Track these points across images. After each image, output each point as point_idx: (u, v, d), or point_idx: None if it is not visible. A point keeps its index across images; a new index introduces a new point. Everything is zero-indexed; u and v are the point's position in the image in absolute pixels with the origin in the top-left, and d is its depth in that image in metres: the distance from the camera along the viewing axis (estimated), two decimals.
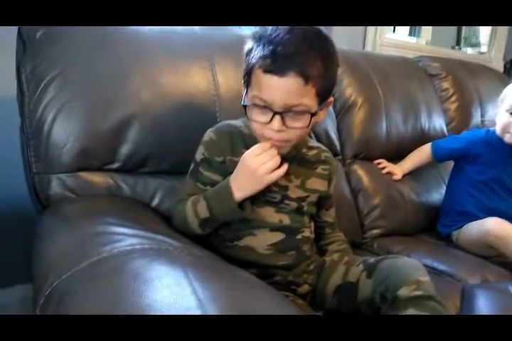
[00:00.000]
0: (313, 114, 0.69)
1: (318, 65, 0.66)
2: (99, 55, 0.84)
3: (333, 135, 1.23)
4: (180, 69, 0.91)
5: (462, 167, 1.31)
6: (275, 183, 0.76)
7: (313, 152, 0.84)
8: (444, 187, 1.41)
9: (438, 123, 1.50)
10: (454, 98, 1.58)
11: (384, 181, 1.30)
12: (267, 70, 0.66)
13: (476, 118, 1.64)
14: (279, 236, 0.77)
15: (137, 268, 0.49)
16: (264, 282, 0.61)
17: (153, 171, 0.90)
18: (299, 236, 0.80)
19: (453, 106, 1.58)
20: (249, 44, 0.70)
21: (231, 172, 0.72)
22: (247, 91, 0.71)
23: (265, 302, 0.50)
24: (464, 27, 2.59)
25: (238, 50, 0.74)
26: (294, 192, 0.79)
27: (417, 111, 1.42)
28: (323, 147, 0.87)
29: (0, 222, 1.18)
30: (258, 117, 0.69)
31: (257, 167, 0.68)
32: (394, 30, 2.15)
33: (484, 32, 2.55)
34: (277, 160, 0.69)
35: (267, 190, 0.76)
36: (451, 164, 1.39)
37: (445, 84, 1.59)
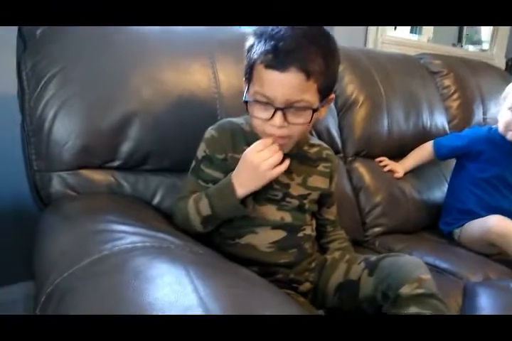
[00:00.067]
0: (314, 110, 0.68)
1: (319, 61, 0.66)
2: (100, 52, 0.84)
3: (335, 132, 1.22)
4: (180, 67, 0.91)
5: (464, 165, 1.31)
6: (277, 181, 0.76)
7: (314, 149, 0.83)
8: (446, 185, 1.40)
9: (440, 120, 1.49)
10: (455, 95, 1.58)
11: (385, 179, 1.29)
12: (269, 66, 0.66)
13: (478, 116, 1.64)
14: (280, 234, 0.77)
15: (138, 266, 0.49)
16: (266, 280, 0.61)
17: (154, 169, 0.90)
18: (300, 234, 0.80)
19: (455, 104, 1.57)
20: (250, 40, 0.70)
21: (232, 170, 0.72)
22: (248, 88, 0.71)
23: (267, 300, 0.50)
24: None
25: (239, 48, 0.74)
26: (296, 190, 0.79)
27: (419, 109, 1.42)
28: (325, 145, 0.87)
29: (2, 219, 1.19)
30: (259, 113, 0.69)
31: (260, 163, 0.68)
32: (395, 28, 2.14)
33: (486, 29, 2.54)
34: (279, 155, 0.69)
35: (269, 187, 0.76)
36: (452, 162, 1.39)
37: (447, 82, 1.58)
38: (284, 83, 0.65)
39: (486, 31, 2.55)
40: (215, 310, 0.41)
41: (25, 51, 0.80)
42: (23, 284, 1.22)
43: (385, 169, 1.31)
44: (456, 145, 1.31)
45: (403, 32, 2.22)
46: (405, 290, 0.68)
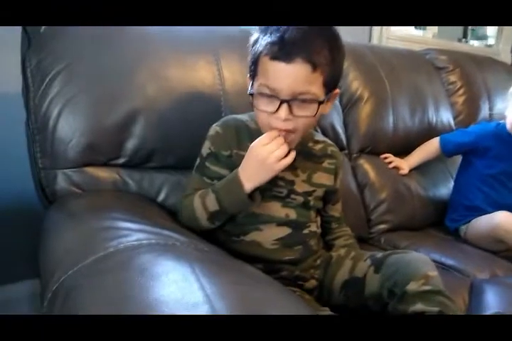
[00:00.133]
0: (320, 103, 0.68)
1: (325, 53, 0.66)
2: (104, 49, 0.84)
3: (340, 129, 1.22)
4: (185, 64, 0.90)
5: (471, 161, 1.30)
6: (281, 178, 0.76)
7: (319, 146, 0.83)
8: (452, 182, 1.40)
9: (445, 116, 1.48)
10: (461, 91, 1.57)
11: (391, 175, 1.29)
12: (274, 57, 0.65)
13: (484, 112, 1.62)
14: (285, 231, 0.77)
15: (144, 264, 0.49)
16: (271, 277, 0.61)
17: (159, 166, 0.90)
18: (305, 231, 0.79)
19: (460, 100, 1.56)
20: (255, 35, 0.70)
21: (237, 166, 0.71)
22: (252, 83, 0.71)
23: (272, 297, 0.50)
24: None
25: (244, 45, 0.74)
26: (301, 187, 0.78)
27: (425, 105, 1.41)
28: (330, 141, 0.86)
29: (7, 217, 1.19)
30: (265, 106, 0.69)
31: (266, 156, 0.67)
32: None
33: None
34: (285, 148, 0.68)
35: (274, 184, 0.75)
36: (458, 158, 1.38)
37: (452, 77, 1.57)
38: (289, 74, 0.65)
39: (491, 26, 2.53)
40: (221, 307, 0.41)
41: (29, 48, 0.80)
42: (29, 282, 1.23)
43: (390, 166, 1.30)
44: (463, 141, 1.30)
45: (408, 27, 2.20)
46: (412, 286, 0.67)
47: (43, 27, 0.80)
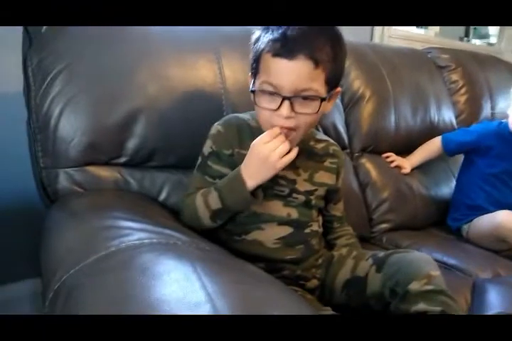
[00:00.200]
0: (322, 100, 0.68)
1: (327, 50, 0.66)
2: (105, 48, 0.84)
3: (341, 128, 1.22)
4: (186, 63, 0.90)
5: (473, 160, 1.30)
6: (283, 177, 0.76)
7: (321, 145, 0.83)
8: (454, 181, 1.39)
9: (447, 115, 1.48)
10: (463, 90, 1.56)
11: (393, 175, 1.28)
12: (276, 54, 0.65)
13: (486, 111, 1.62)
14: (287, 230, 0.77)
15: (145, 263, 0.49)
16: (272, 276, 0.60)
17: (160, 165, 0.90)
18: (307, 230, 0.79)
19: (462, 99, 1.56)
20: (256, 33, 0.70)
21: (239, 165, 0.71)
22: (254, 81, 0.71)
23: (274, 296, 0.49)
24: None
25: (245, 43, 0.73)
26: (302, 186, 0.78)
27: (426, 104, 1.41)
28: (331, 140, 0.86)
29: (9, 216, 1.19)
30: (266, 104, 0.69)
31: (269, 153, 0.67)
32: None
33: None
34: (287, 145, 0.68)
35: (275, 183, 0.75)
36: (460, 158, 1.38)
37: (454, 76, 1.57)
38: (292, 71, 0.65)
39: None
40: (222, 306, 0.41)
41: (30, 47, 0.80)
42: (30, 281, 1.23)
43: (392, 165, 1.30)
44: (465, 140, 1.30)
45: (410, 26, 2.20)
46: (414, 286, 0.67)
47: (44, 27, 0.80)
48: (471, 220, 1.22)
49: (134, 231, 0.58)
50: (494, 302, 0.86)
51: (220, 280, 0.47)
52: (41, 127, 0.79)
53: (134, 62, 0.85)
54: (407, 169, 1.30)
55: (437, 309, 0.66)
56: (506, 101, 1.33)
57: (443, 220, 1.32)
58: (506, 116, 1.25)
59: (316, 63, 0.65)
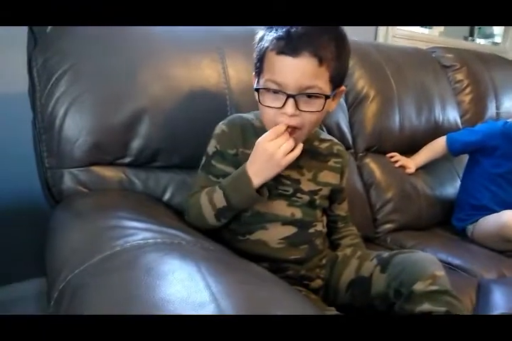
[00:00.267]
0: (327, 98, 0.68)
1: (331, 48, 0.66)
2: (110, 48, 0.84)
3: (345, 128, 1.21)
4: (190, 63, 0.90)
5: (478, 160, 1.29)
6: (287, 176, 0.76)
7: (325, 145, 0.83)
8: (459, 181, 1.39)
9: (452, 115, 1.47)
10: (468, 90, 1.56)
11: (397, 175, 1.28)
12: (281, 52, 0.65)
13: (491, 111, 1.61)
14: (291, 230, 0.77)
15: (150, 263, 0.49)
16: (277, 276, 0.60)
17: (164, 165, 0.90)
18: (311, 230, 0.79)
19: (467, 98, 1.55)
20: (260, 33, 0.71)
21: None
22: (258, 80, 0.71)
23: (278, 296, 0.49)
24: None
25: (249, 43, 0.73)
26: (306, 186, 0.78)
27: (431, 104, 1.40)
28: (336, 140, 0.86)
29: (14, 216, 1.20)
30: (271, 102, 0.69)
31: (274, 151, 0.67)
32: None
33: None
34: (292, 142, 0.68)
35: (279, 182, 0.75)
36: (465, 157, 1.37)
37: (459, 76, 1.56)
38: (296, 69, 0.65)
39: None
40: (227, 306, 0.41)
41: (35, 48, 0.80)
42: (35, 280, 1.23)
43: (397, 165, 1.30)
44: (470, 140, 1.29)
45: (414, 26, 2.19)
46: (419, 286, 0.67)
47: (49, 27, 0.80)
48: (476, 220, 1.22)
49: (138, 231, 0.58)
50: (499, 303, 0.86)
51: (224, 280, 0.47)
52: (46, 127, 0.80)
53: (139, 62, 0.85)
54: (411, 169, 1.30)
55: (442, 309, 0.65)
56: (511, 101, 1.32)
57: (448, 220, 1.31)
58: (511, 116, 1.25)
59: (320, 61, 0.65)
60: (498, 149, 1.24)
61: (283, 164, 0.68)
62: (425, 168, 1.34)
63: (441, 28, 2.30)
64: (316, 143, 0.82)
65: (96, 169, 0.83)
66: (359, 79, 1.26)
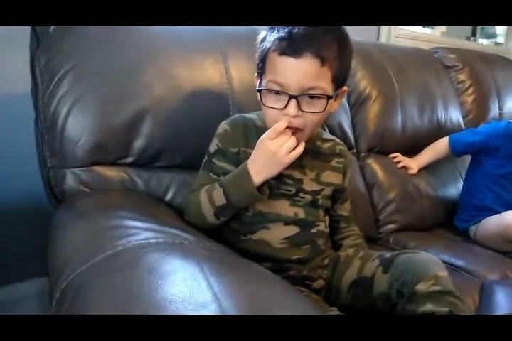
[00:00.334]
0: (329, 98, 0.68)
1: (333, 48, 0.66)
2: (113, 48, 0.84)
3: (348, 128, 1.21)
4: (193, 63, 0.90)
5: (481, 161, 1.29)
6: (290, 176, 0.76)
7: (327, 144, 0.82)
8: (461, 182, 1.38)
9: (455, 116, 1.47)
10: (470, 90, 1.55)
11: (399, 175, 1.28)
12: (283, 52, 0.65)
13: (494, 111, 1.61)
14: (293, 230, 0.76)
15: (152, 262, 0.49)
16: (279, 276, 0.60)
17: (166, 165, 0.90)
18: (313, 230, 0.79)
19: (470, 99, 1.55)
20: (262, 33, 0.71)
21: None
22: (260, 81, 0.71)
23: (280, 296, 0.49)
24: None
25: (251, 43, 0.74)
26: (309, 186, 0.78)
27: (433, 104, 1.40)
28: (338, 140, 0.86)
29: (17, 216, 1.20)
30: (273, 103, 0.68)
31: (277, 149, 0.67)
32: None
33: None
34: (294, 140, 0.68)
35: (282, 182, 0.75)
36: (468, 158, 1.37)
37: (462, 76, 1.56)
38: (298, 69, 0.65)
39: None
40: (229, 306, 0.41)
41: (38, 48, 0.80)
42: (37, 280, 1.23)
43: (399, 165, 1.29)
44: (473, 140, 1.29)
45: (416, 26, 2.19)
46: (421, 287, 0.67)
47: (52, 27, 0.80)
48: (479, 221, 1.21)
49: (140, 231, 0.58)
50: (502, 304, 0.86)
51: (226, 280, 0.47)
52: (49, 127, 0.80)
53: (141, 62, 0.85)
54: (414, 169, 1.30)
55: (445, 310, 0.65)
56: None
57: (450, 221, 1.31)
58: None
59: (323, 61, 0.65)
60: (501, 150, 1.24)
61: (285, 162, 0.68)
62: (428, 169, 1.34)
63: (444, 28, 2.30)
64: (319, 143, 0.82)
65: (98, 169, 0.83)
66: (361, 79, 1.26)
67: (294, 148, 0.68)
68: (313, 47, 0.64)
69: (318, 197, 0.79)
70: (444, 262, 0.75)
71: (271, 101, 0.69)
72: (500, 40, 2.56)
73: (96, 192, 0.81)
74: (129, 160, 0.85)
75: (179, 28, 0.92)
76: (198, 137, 0.87)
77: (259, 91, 0.70)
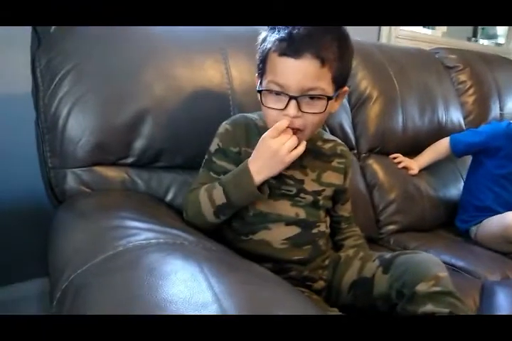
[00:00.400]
0: (329, 99, 0.68)
1: (334, 49, 0.66)
2: (113, 48, 0.84)
3: (348, 129, 1.21)
4: (193, 63, 0.90)
5: (482, 161, 1.29)
6: (291, 176, 0.76)
7: (328, 145, 0.82)
8: (462, 182, 1.38)
9: (455, 116, 1.47)
10: (471, 91, 1.55)
11: (400, 176, 1.28)
12: (283, 53, 0.65)
13: (495, 112, 1.61)
14: (294, 230, 0.76)
15: (152, 263, 0.49)
16: (279, 277, 0.60)
17: (167, 166, 0.90)
18: (314, 231, 0.79)
19: (470, 99, 1.55)
20: (263, 34, 0.71)
21: None
22: (261, 81, 0.71)
23: (280, 296, 0.49)
24: None
25: (251, 43, 0.74)
26: (310, 186, 0.78)
27: (434, 105, 1.40)
28: (339, 140, 0.86)
29: (17, 216, 1.20)
30: (273, 104, 0.69)
31: (278, 148, 0.67)
32: None
33: None
34: (295, 139, 0.68)
35: (283, 182, 0.75)
36: (468, 159, 1.37)
37: (462, 77, 1.56)
38: (298, 70, 0.65)
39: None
40: (229, 306, 0.41)
41: (39, 48, 0.80)
42: (38, 280, 1.24)
43: (400, 166, 1.29)
44: (474, 141, 1.29)
45: (417, 26, 2.19)
46: (422, 287, 0.67)
47: (53, 27, 0.81)
48: (480, 222, 1.21)
49: (141, 231, 0.58)
50: (503, 305, 0.85)
51: (226, 280, 0.47)
52: (49, 127, 0.80)
53: (141, 62, 0.85)
54: (414, 170, 1.29)
55: (445, 310, 0.65)
56: None
57: (451, 222, 1.31)
58: None
59: (323, 62, 0.65)
60: (502, 150, 1.24)
61: (287, 161, 0.68)
62: (428, 169, 1.34)
63: (445, 29, 2.30)
64: (320, 144, 0.82)
65: (99, 169, 0.83)
66: (362, 79, 1.26)
67: (296, 147, 0.68)
68: (313, 48, 0.64)
69: (319, 197, 0.79)
70: (444, 263, 0.75)
71: (271, 102, 0.69)
72: (501, 40, 2.56)
73: (96, 193, 0.81)
74: (130, 160, 0.86)
75: (179, 28, 0.92)
76: (198, 137, 0.87)
77: (260, 91, 0.70)
